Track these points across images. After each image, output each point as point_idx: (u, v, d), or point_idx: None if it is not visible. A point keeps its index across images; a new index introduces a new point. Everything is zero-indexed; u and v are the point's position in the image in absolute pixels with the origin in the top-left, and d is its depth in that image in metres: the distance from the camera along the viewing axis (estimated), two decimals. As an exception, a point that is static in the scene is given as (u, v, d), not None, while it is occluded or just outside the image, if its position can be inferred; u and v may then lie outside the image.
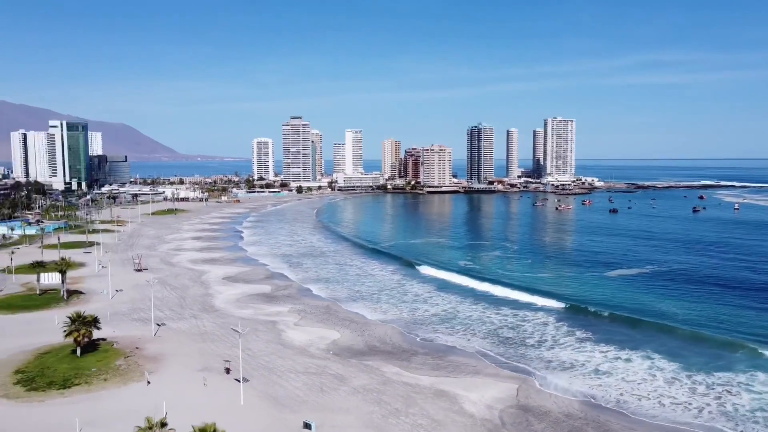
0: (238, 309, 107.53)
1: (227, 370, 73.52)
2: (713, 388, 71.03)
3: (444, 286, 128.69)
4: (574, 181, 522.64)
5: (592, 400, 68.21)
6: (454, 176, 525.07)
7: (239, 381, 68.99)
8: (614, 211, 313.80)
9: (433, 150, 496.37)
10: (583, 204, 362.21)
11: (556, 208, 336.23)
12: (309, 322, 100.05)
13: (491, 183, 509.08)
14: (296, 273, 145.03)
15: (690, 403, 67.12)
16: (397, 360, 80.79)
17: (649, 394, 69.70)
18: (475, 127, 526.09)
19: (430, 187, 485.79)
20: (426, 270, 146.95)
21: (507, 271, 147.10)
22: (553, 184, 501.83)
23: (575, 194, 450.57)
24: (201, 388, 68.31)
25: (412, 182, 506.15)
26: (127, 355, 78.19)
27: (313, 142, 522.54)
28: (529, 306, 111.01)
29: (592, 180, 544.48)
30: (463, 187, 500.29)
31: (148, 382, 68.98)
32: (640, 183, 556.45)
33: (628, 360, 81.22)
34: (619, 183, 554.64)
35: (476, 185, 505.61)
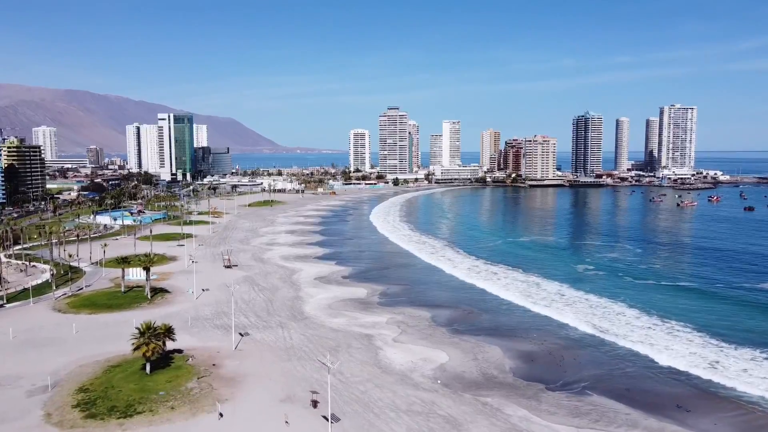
0: (330, 317, 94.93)
1: (314, 403, 60.41)
2: None
3: (575, 300, 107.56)
4: (694, 175, 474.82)
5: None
6: (558, 169, 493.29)
7: (327, 419, 55.72)
8: (750, 209, 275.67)
9: (536, 141, 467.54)
10: (709, 200, 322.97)
11: (678, 204, 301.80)
12: (410, 337, 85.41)
13: (599, 176, 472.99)
14: (396, 275, 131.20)
15: None
16: (522, 398, 64.22)
17: None
18: (582, 116, 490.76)
19: (532, 180, 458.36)
20: (548, 282, 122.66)
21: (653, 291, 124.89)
22: (669, 178, 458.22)
23: (697, 189, 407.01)
24: (281, 426, 55.56)
25: (513, 175, 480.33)
26: (201, 375, 67.08)
27: (410, 133, 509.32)
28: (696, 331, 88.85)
29: (716, 173, 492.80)
30: (568, 181, 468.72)
31: (221, 415, 57.21)
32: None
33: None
34: (747, 177, 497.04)
35: (583, 179, 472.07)
